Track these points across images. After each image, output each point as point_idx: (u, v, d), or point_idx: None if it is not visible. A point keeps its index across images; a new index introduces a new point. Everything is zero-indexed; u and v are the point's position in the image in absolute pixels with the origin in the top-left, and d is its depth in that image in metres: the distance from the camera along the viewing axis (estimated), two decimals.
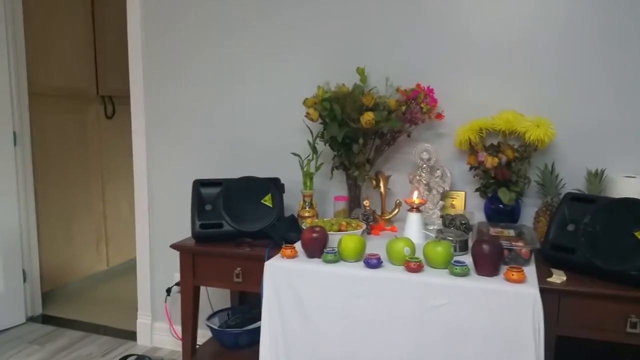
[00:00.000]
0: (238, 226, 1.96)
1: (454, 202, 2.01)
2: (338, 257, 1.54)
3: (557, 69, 1.87)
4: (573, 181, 1.81)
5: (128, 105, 2.57)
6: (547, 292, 1.45)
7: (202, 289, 2.16)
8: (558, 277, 1.50)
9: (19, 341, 2.66)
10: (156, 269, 2.61)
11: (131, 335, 2.70)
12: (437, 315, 1.39)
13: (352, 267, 1.51)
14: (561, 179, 1.81)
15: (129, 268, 3.70)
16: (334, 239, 1.62)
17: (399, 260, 1.49)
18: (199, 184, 2.02)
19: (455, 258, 1.48)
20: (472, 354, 1.37)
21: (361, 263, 1.52)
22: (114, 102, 3.67)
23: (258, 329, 2.04)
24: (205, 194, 2.02)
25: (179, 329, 2.45)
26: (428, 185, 1.96)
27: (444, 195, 1.98)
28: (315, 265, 1.54)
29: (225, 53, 2.33)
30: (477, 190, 1.91)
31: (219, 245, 1.93)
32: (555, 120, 1.80)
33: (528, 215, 1.87)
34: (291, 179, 2.13)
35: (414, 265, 1.43)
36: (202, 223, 1.96)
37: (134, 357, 2.39)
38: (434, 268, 1.47)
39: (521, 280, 1.34)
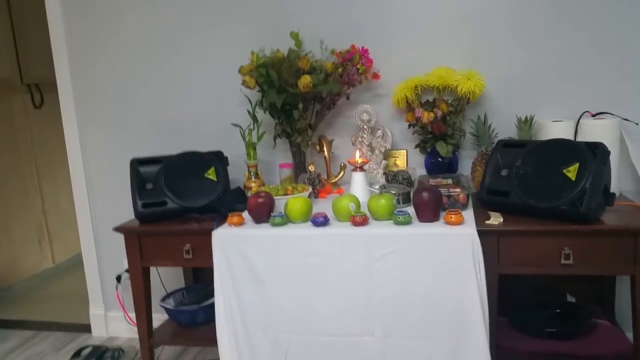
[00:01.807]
0: (182, 202, 1.92)
1: (396, 161, 2.05)
2: (285, 219, 1.55)
3: (483, 22, 1.93)
4: (505, 130, 1.89)
5: (56, 93, 2.45)
6: (486, 234, 1.52)
7: (153, 271, 2.12)
8: (495, 219, 1.58)
9: None
10: (104, 258, 2.54)
11: (85, 328, 2.63)
12: (385, 264, 1.44)
13: (299, 228, 1.53)
14: (494, 129, 1.89)
15: (77, 264, 3.57)
16: (280, 203, 1.63)
17: (344, 216, 1.51)
18: (136, 163, 1.96)
19: (398, 209, 1.52)
20: (422, 296, 1.43)
21: (309, 223, 1.54)
22: (42, 91, 3.48)
23: (214, 305, 2.04)
24: (145, 173, 1.96)
25: (134, 316, 2.40)
26: (370, 146, 1.99)
27: (387, 155, 2.02)
28: (263, 230, 1.55)
29: (153, 26, 2.25)
30: (416, 146, 1.96)
31: (165, 223, 1.90)
32: (485, 72, 1.87)
33: (466, 166, 1.95)
34: (234, 152, 2.11)
35: (359, 219, 1.46)
36: (144, 202, 1.90)
37: (90, 348, 2.33)
38: (379, 220, 1.51)
39: (459, 222, 1.41)
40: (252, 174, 2.01)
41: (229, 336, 1.60)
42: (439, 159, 1.89)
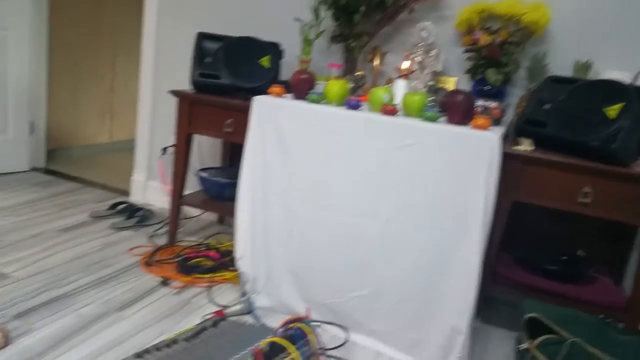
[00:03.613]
0: (234, 80, 2.04)
1: (444, 87, 2.06)
2: (322, 98, 1.63)
3: None
4: (560, 73, 1.86)
5: None
6: (512, 158, 1.55)
7: (195, 149, 2.27)
8: (525, 146, 1.59)
9: (22, 183, 2.83)
10: (155, 133, 2.73)
11: (125, 193, 2.86)
12: (403, 154, 1.49)
13: (333, 107, 1.61)
14: (550, 69, 1.86)
15: (131, 147, 3.84)
16: (321, 87, 1.70)
17: (377, 105, 1.57)
18: (202, 36, 2.09)
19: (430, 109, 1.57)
20: (431, 190, 1.48)
21: (343, 106, 1.61)
22: None
23: None
24: (207, 48, 2.09)
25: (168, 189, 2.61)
26: (422, 64, 2.02)
27: (436, 79, 2.04)
28: (300, 103, 1.64)
29: None
30: (467, 71, 1.96)
31: (215, 96, 2.03)
32: (554, 7, 1.84)
33: (512, 103, 1.93)
34: (290, 51, 2.18)
35: (389, 108, 1.52)
36: (201, 72, 2.05)
37: (125, 204, 2.55)
38: (409, 116, 1.56)
39: (485, 127, 1.43)
40: (303, 70, 2.09)
41: (247, 196, 1.73)
42: (487, 87, 1.89)
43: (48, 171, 3.11)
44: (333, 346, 1.61)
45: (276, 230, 1.72)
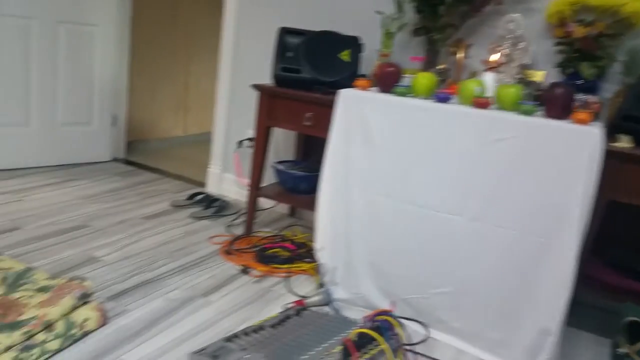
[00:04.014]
0: (315, 74, 2.07)
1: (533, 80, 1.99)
2: (410, 90, 1.61)
3: None
4: None
5: None
6: (611, 156, 1.47)
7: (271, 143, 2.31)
8: (625, 143, 1.51)
9: (104, 172, 2.99)
10: (231, 127, 2.80)
11: (201, 184, 2.96)
12: (497, 149, 1.45)
13: (422, 100, 1.58)
14: None
15: (203, 140, 3.96)
16: (407, 80, 1.69)
17: (468, 98, 1.54)
18: (284, 32, 2.13)
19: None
20: (525, 188, 1.43)
21: (431, 99, 1.58)
22: None
23: (318, 177, 2.20)
24: (289, 43, 2.13)
25: (242, 180, 2.67)
26: (509, 57, 1.95)
27: (523, 72, 1.97)
28: (387, 96, 1.63)
29: None
30: (558, 65, 1.88)
31: (295, 90, 2.06)
32: None
33: (604, 98, 1.84)
34: (369, 46, 2.18)
35: (482, 101, 1.48)
36: (283, 67, 2.09)
37: (203, 195, 2.64)
38: (503, 109, 1.51)
39: (586, 121, 1.37)
40: (389, 62, 2.08)
41: (329, 188, 1.74)
42: (579, 82, 1.80)
43: (128, 162, 3.27)
44: (413, 342, 1.59)
45: (357, 223, 1.72)
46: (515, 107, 1.47)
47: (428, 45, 2.05)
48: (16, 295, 1.52)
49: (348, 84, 1.96)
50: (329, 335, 1.44)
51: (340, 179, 1.73)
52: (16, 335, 1.32)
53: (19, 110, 2.74)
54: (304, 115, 2.05)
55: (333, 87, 2.04)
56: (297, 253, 2.11)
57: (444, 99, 1.53)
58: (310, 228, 2.45)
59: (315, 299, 1.77)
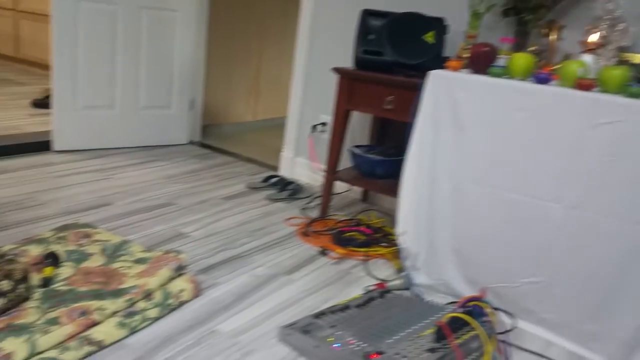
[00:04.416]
0: (397, 57, 2.04)
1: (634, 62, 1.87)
2: (505, 72, 1.56)
3: None
4: None
5: None
6: None
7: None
8: None
9: (182, 154, 3.10)
10: (305, 112, 2.82)
11: (273, 168, 3.01)
12: (602, 133, 1.38)
13: (518, 81, 1.53)
14: None
15: (271, 125, 4.04)
16: (502, 61, 1.63)
17: (570, 80, 1.47)
18: (366, 13, 2.11)
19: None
20: (631, 175, 1.36)
21: (529, 81, 1.52)
22: None
23: (395, 162, 2.17)
24: (371, 25, 2.11)
25: (314, 165, 2.70)
26: (606, 39, 1.85)
27: (621, 55, 1.86)
28: (481, 77, 1.58)
29: None
30: None
31: (376, 73, 2.04)
32: None
33: None
34: (454, 28, 2.12)
35: (586, 83, 1.41)
36: (365, 49, 2.08)
37: (278, 177, 2.68)
38: (607, 92, 1.43)
39: None
40: (468, 44, 2.02)
41: (414, 171, 1.72)
42: None
43: (202, 145, 3.37)
44: (501, 331, 1.56)
45: (443, 208, 1.70)
46: (622, 89, 1.39)
47: (518, 27, 1.97)
48: (116, 265, 1.62)
49: (432, 67, 1.92)
50: (418, 318, 1.43)
51: (426, 163, 1.71)
52: (120, 302, 1.40)
53: (106, 93, 2.89)
54: (385, 98, 2.03)
55: (416, 70, 2.01)
56: (374, 237, 2.11)
57: (544, 80, 1.47)
58: (385, 213, 2.45)
59: (396, 282, 1.76)
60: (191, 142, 3.37)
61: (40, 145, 2.79)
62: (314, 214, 2.36)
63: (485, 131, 1.56)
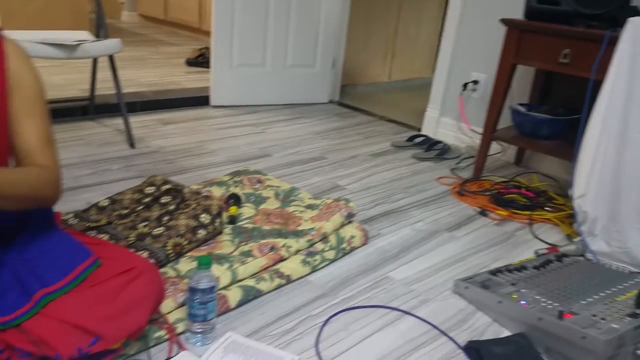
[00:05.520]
0: (577, 6, 1.86)
1: None
2: None
3: None
4: None
5: None
6: None
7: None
8: None
9: (325, 113, 3.17)
10: (453, 69, 2.71)
11: (413, 128, 2.96)
12: None
13: None
14: None
15: (406, 86, 3.97)
16: None
17: None
18: None
19: None
20: None
21: None
22: None
23: (564, 122, 2.03)
24: None
25: (464, 125, 2.60)
26: None
27: None
28: None
29: None
30: None
31: (552, 24, 1.89)
32: None
33: None
34: None
35: None
36: None
37: (423, 137, 2.64)
38: None
39: None
40: None
41: (599, 131, 1.58)
42: None
43: (341, 104, 3.41)
44: None
45: (633, 172, 1.54)
46: None
47: None
48: (290, 209, 1.71)
49: (618, 17, 1.73)
50: (607, 283, 1.34)
51: (616, 122, 1.55)
52: (302, 242, 1.48)
53: (258, 52, 3.02)
54: (560, 52, 1.88)
55: (597, 21, 1.83)
56: (537, 201, 2.00)
57: None
58: (545, 176, 2.31)
59: (570, 248, 1.66)
60: (331, 101, 3.43)
61: (199, 100, 3.01)
62: (465, 174, 2.29)
63: None
